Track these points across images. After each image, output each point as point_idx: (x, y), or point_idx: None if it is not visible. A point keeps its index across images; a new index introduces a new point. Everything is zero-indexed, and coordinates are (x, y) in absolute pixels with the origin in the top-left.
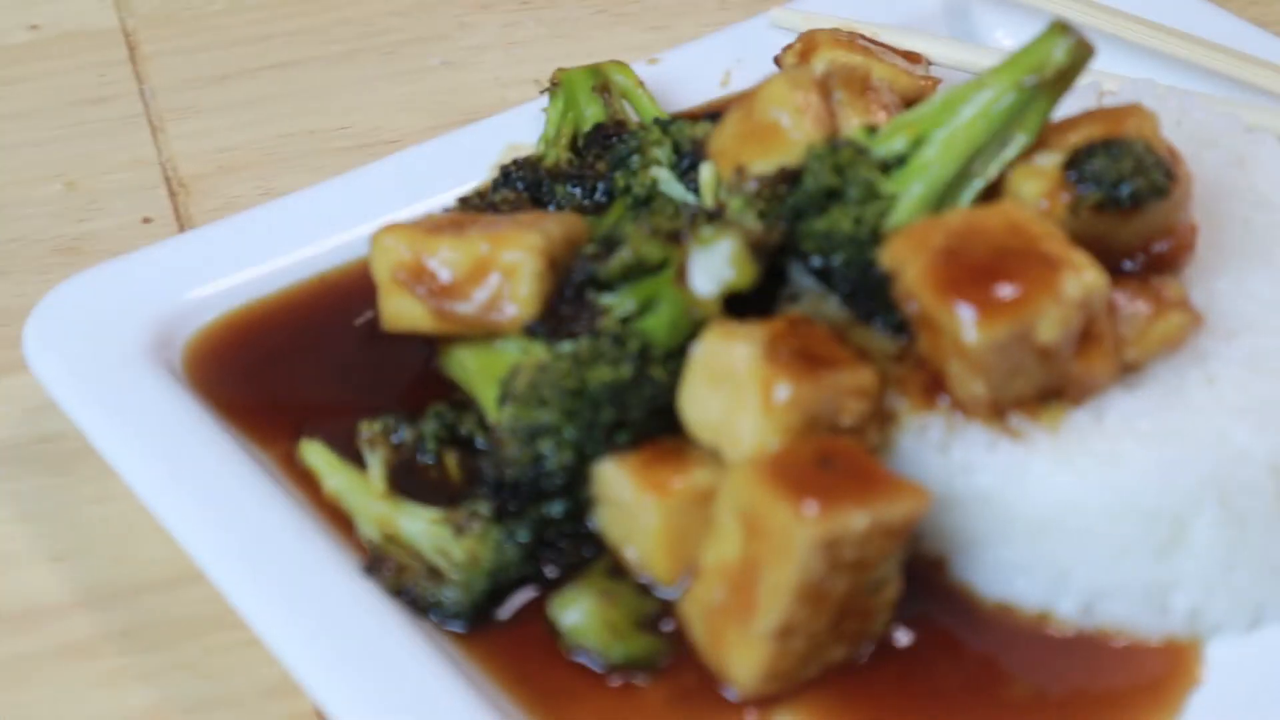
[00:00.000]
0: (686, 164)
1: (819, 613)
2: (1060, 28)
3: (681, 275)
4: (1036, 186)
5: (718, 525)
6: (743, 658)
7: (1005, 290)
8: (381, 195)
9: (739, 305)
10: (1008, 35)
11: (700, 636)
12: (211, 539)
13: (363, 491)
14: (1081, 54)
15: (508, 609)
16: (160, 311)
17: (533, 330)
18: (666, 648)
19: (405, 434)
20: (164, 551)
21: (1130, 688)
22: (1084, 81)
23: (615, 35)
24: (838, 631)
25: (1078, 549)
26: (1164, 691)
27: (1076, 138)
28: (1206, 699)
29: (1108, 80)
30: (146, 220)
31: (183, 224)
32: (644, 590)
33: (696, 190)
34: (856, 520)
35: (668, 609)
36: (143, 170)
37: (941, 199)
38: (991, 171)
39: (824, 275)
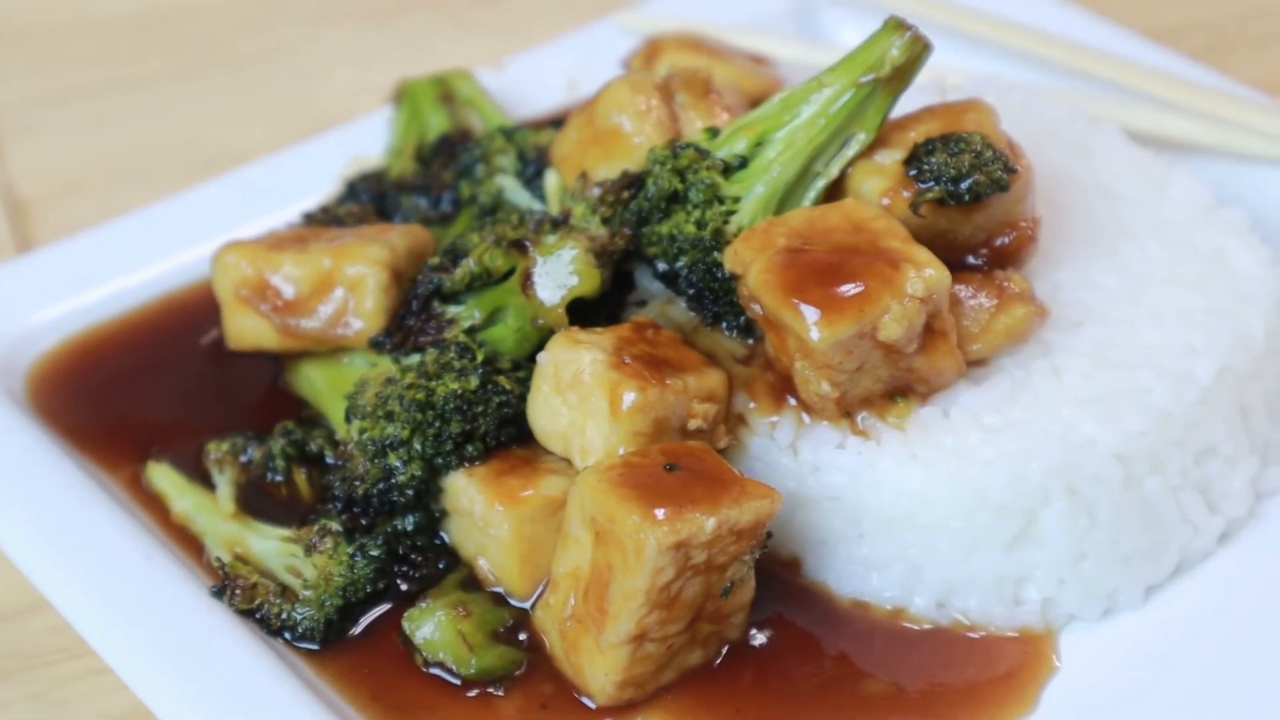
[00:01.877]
0: (531, 171)
1: (672, 617)
2: (896, 24)
3: (527, 284)
4: (878, 184)
5: (568, 534)
6: (598, 666)
7: (848, 289)
8: (225, 212)
9: (586, 312)
10: (856, 34)
11: (555, 646)
12: (57, 566)
13: (212, 512)
14: (918, 50)
15: (361, 625)
16: (1, 337)
17: (379, 343)
18: (522, 658)
19: (253, 453)
20: (8, 580)
21: (986, 679)
22: (928, 78)
23: (464, 44)
24: (692, 635)
25: (929, 544)
26: (1019, 682)
27: (916, 134)
28: (1061, 688)
29: (951, 76)
30: None
31: (23, 246)
32: (498, 601)
33: (542, 197)
34: (705, 523)
35: (522, 619)
36: None
37: (783, 199)
38: (833, 170)
39: (669, 279)
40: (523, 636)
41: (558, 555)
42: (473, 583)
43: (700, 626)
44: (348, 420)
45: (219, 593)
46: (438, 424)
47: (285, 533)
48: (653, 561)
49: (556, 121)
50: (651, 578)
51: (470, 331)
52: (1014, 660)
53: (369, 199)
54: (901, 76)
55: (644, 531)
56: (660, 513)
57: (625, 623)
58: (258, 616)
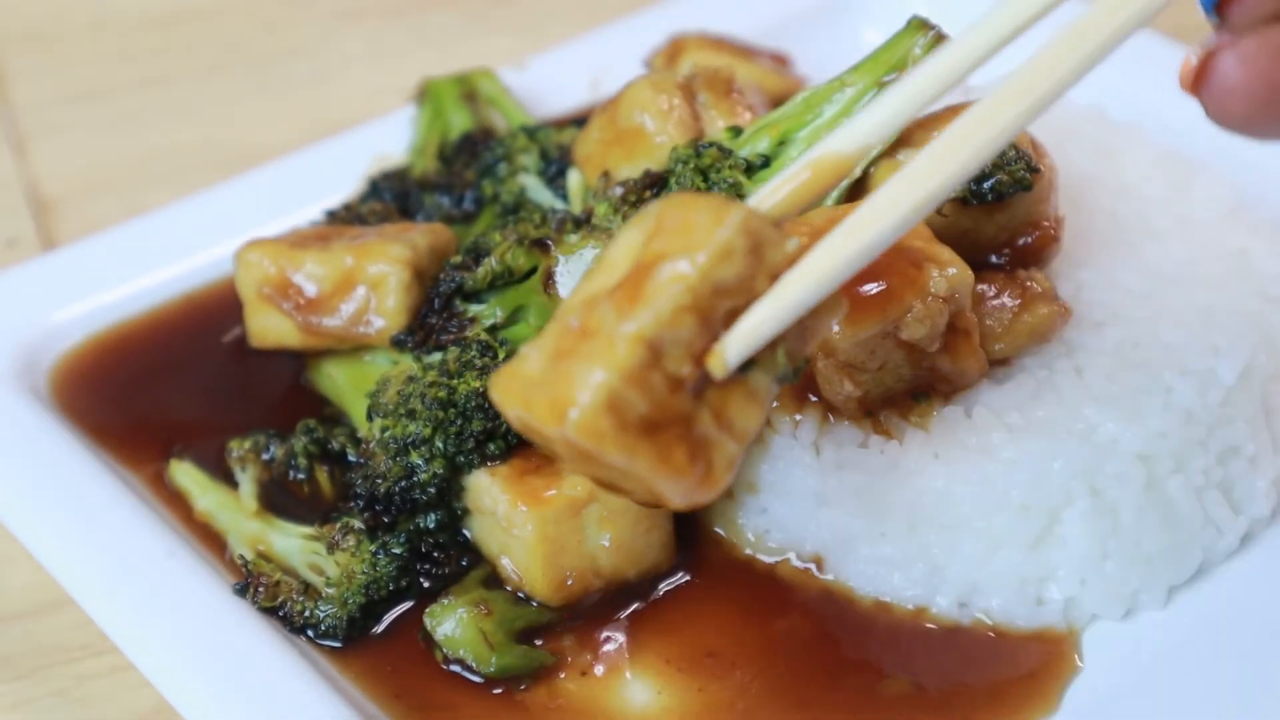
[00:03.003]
0: (554, 170)
1: (689, 354)
2: (919, 24)
3: (549, 283)
4: None
5: (602, 260)
6: (593, 366)
7: (870, 288)
8: (248, 210)
9: None
10: (879, 33)
11: (530, 373)
12: (81, 564)
13: (234, 510)
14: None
15: (384, 623)
16: (25, 335)
17: (401, 342)
18: (543, 657)
19: (276, 451)
20: (33, 578)
21: (1008, 679)
22: None
23: (485, 42)
24: (690, 415)
25: (951, 544)
26: (1042, 682)
27: (939, 134)
28: (1084, 688)
29: (973, 75)
30: (10, 241)
31: (47, 245)
32: (520, 600)
33: (564, 196)
34: (788, 242)
35: (544, 618)
36: (5, 191)
37: None
38: (855, 170)
39: None
40: (541, 640)
41: (579, 284)
42: (495, 580)
43: (701, 415)
44: (370, 418)
45: (242, 590)
46: (459, 422)
47: (308, 530)
48: (726, 235)
49: (579, 120)
50: (714, 259)
51: (492, 330)
52: (1036, 660)
53: (391, 197)
54: None
55: (729, 206)
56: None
57: (658, 309)
58: (280, 614)
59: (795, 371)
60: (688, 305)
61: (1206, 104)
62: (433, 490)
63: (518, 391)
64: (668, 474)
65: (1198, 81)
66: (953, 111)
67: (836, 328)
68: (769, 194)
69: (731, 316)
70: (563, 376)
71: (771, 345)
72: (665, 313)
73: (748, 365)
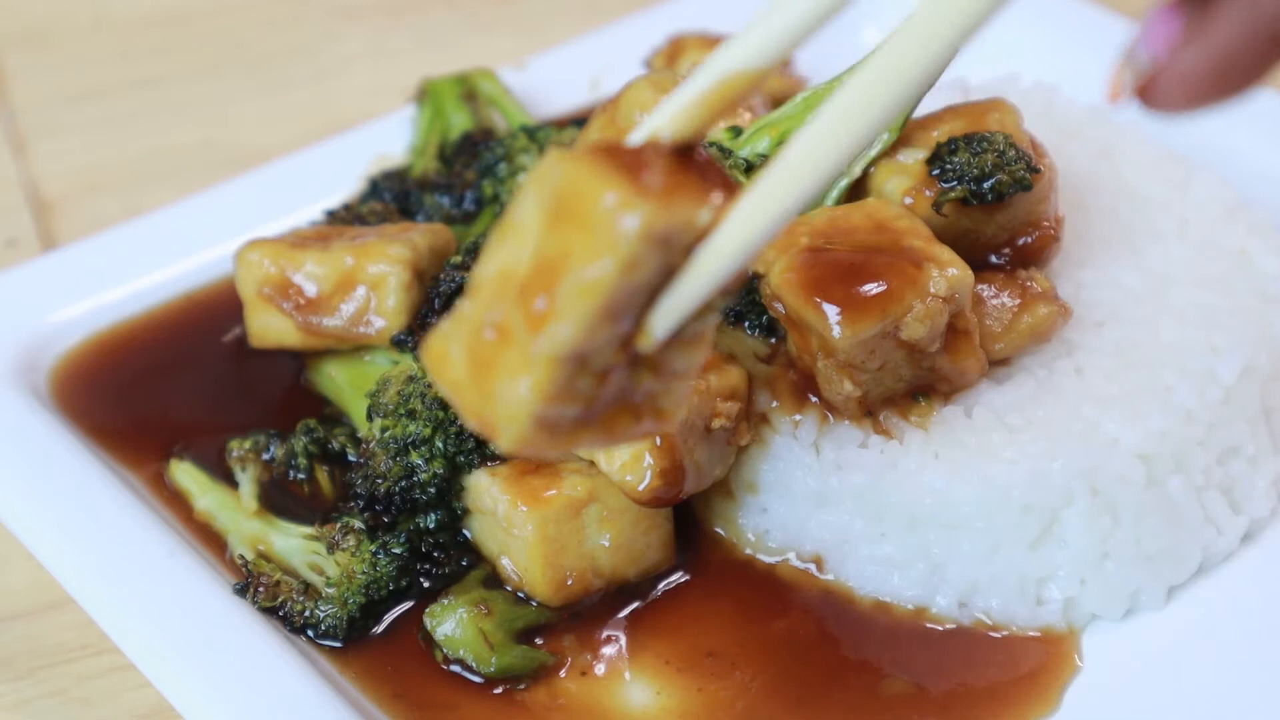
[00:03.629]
0: None
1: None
2: None
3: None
4: (900, 183)
5: (508, 224)
6: (517, 385)
7: (870, 288)
8: (248, 210)
9: None
10: (878, 32)
11: (456, 371)
12: (81, 564)
13: (234, 510)
14: None
15: (384, 623)
16: (25, 335)
17: (401, 342)
18: (543, 656)
19: (275, 451)
20: (31, 577)
21: (1009, 679)
22: (951, 77)
23: (485, 42)
24: (631, 380)
25: (951, 544)
26: (1042, 682)
27: (939, 134)
28: (1084, 688)
29: (974, 75)
30: (10, 241)
31: (47, 245)
32: (520, 600)
33: None
34: (698, 215)
35: (544, 621)
36: (5, 191)
37: None
38: (855, 169)
39: None
40: (541, 640)
41: (484, 256)
42: (495, 580)
43: (641, 375)
44: (370, 418)
45: (242, 590)
46: (460, 422)
47: (308, 530)
48: (632, 251)
49: (579, 120)
50: (624, 274)
51: None
52: (1036, 660)
53: (391, 197)
54: None
55: (628, 205)
56: (649, 191)
57: (570, 325)
58: (280, 614)
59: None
60: (601, 315)
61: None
62: (433, 490)
63: (448, 378)
64: (616, 441)
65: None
66: (952, 112)
67: (838, 330)
68: (678, 114)
69: (653, 295)
70: (485, 390)
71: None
72: (579, 329)
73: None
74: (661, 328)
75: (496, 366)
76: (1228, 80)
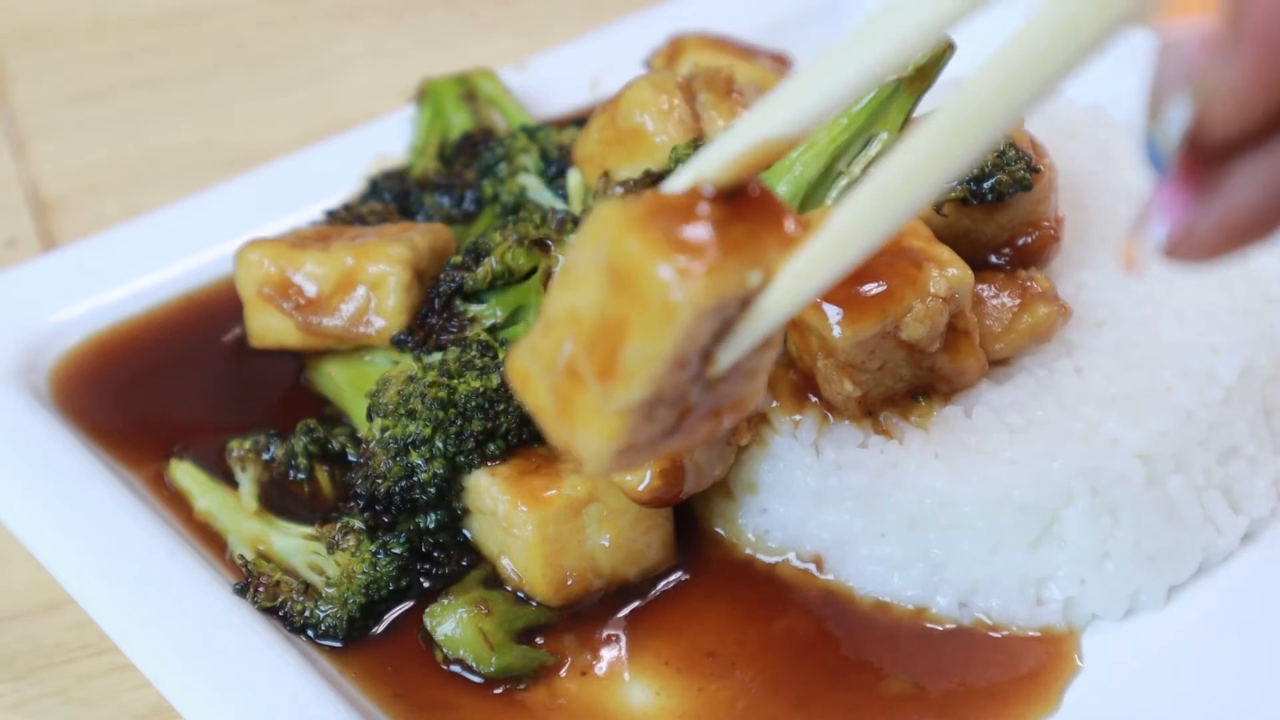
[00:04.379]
0: (554, 170)
1: (690, 376)
2: None
3: (549, 282)
4: None
5: (572, 267)
6: (595, 430)
7: (870, 287)
8: (248, 210)
9: None
10: None
11: (541, 398)
12: (81, 564)
13: (234, 510)
14: (941, 50)
15: (384, 623)
16: (24, 335)
17: (401, 342)
18: (543, 656)
19: (275, 451)
20: (31, 577)
21: (1009, 679)
22: (951, 77)
23: (485, 42)
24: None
25: (952, 544)
26: (1042, 682)
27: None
28: (1084, 688)
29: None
30: (10, 241)
31: (47, 245)
32: (520, 600)
33: (564, 196)
34: (749, 277)
35: (544, 621)
36: (5, 191)
37: (806, 198)
38: (856, 170)
39: None
40: (541, 640)
41: (555, 290)
42: (495, 580)
43: (716, 386)
44: (370, 418)
45: (242, 590)
46: (459, 422)
47: (308, 530)
48: (686, 325)
49: (579, 120)
50: (681, 342)
51: (492, 330)
52: (1036, 660)
53: (391, 197)
54: (925, 76)
55: (679, 284)
56: (697, 266)
57: (639, 389)
58: (280, 614)
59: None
60: (665, 371)
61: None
62: (433, 490)
63: (532, 401)
64: (702, 442)
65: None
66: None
67: (838, 330)
68: (716, 164)
69: (716, 342)
70: (567, 426)
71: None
72: (644, 389)
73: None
74: (727, 360)
75: (574, 405)
76: (1251, 233)
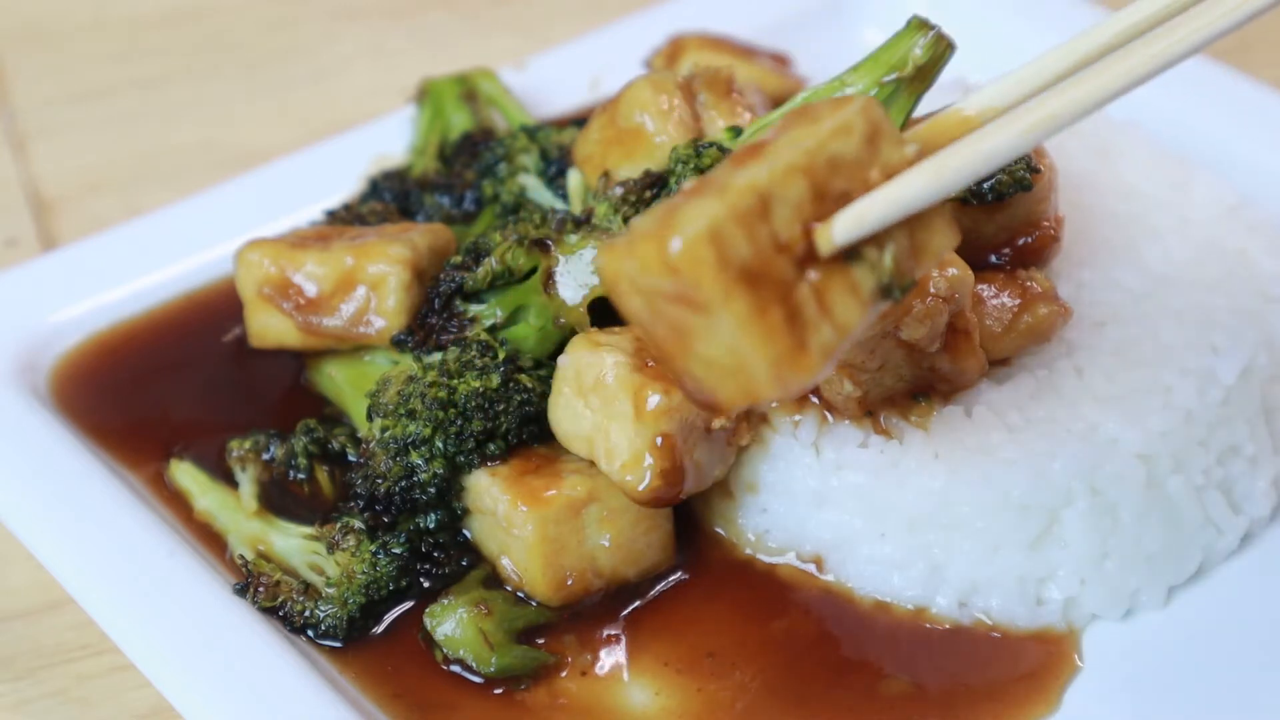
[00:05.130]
0: (554, 170)
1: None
2: (919, 24)
3: (549, 283)
4: None
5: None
6: (700, 206)
7: None
8: (248, 210)
9: (607, 311)
10: (879, 33)
11: (636, 241)
12: (80, 563)
13: (234, 510)
14: (941, 50)
15: (384, 623)
16: (24, 335)
17: (401, 342)
18: (543, 656)
19: (275, 451)
20: (31, 577)
21: (1009, 679)
22: (950, 77)
23: (485, 42)
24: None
25: (951, 544)
26: (1042, 682)
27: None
28: (1084, 688)
29: (974, 75)
30: (10, 241)
31: (47, 245)
32: (520, 600)
33: (564, 196)
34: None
35: (544, 618)
36: (5, 191)
37: None
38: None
39: None
40: (541, 640)
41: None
42: (495, 580)
43: (801, 289)
44: (370, 418)
45: (242, 590)
46: (459, 422)
47: (308, 530)
48: (847, 114)
49: (579, 120)
50: (833, 132)
51: (492, 330)
52: (1036, 660)
53: (391, 197)
54: (925, 76)
55: (853, 97)
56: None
57: (772, 163)
58: (280, 614)
59: (902, 289)
60: (802, 167)
61: None
62: (433, 490)
63: (623, 247)
64: (761, 332)
65: None
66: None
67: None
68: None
69: (843, 200)
70: (670, 216)
71: (879, 242)
72: (779, 168)
73: (853, 256)
74: (842, 230)
75: (688, 202)
76: None
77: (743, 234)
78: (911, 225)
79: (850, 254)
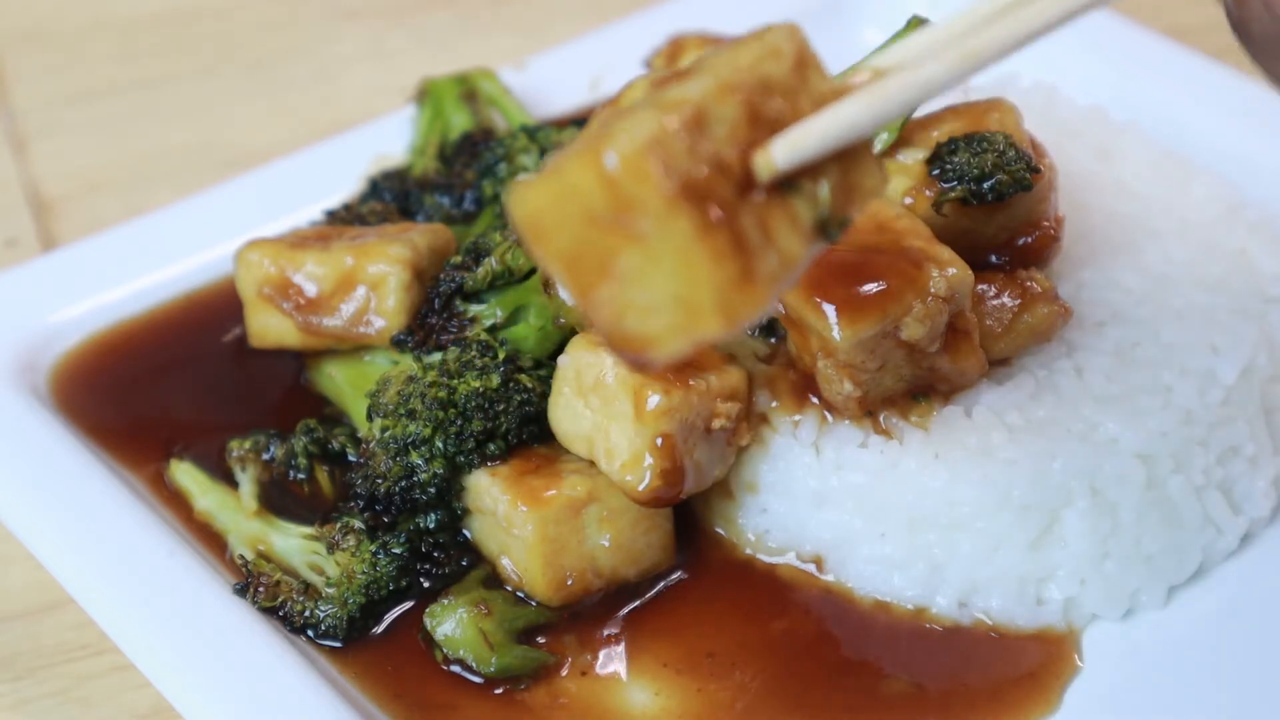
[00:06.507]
0: None
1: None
2: (918, 24)
3: (549, 283)
4: (900, 183)
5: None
6: (634, 117)
7: (870, 288)
8: (248, 210)
9: None
10: (879, 33)
11: (560, 163)
12: (80, 563)
13: (234, 510)
14: None
15: (384, 623)
16: (24, 335)
17: (401, 342)
18: (543, 656)
19: (275, 451)
20: (31, 577)
21: (1009, 679)
22: None
23: (485, 42)
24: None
25: (951, 544)
26: (1042, 682)
27: (939, 134)
28: (1084, 688)
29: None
30: (10, 241)
31: (47, 245)
32: (520, 600)
33: None
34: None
35: (544, 618)
36: (5, 191)
37: None
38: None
39: None
40: (541, 640)
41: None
42: (495, 580)
43: (744, 214)
44: (370, 418)
45: (242, 590)
46: (459, 422)
47: (308, 530)
48: (775, 36)
49: (579, 120)
50: (762, 55)
51: (492, 330)
52: (1036, 660)
53: (391, 197)
54: None
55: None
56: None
57: (704, 81)
58: (280, 614)
59: (839, 226)
60: (734, 84)
61: None
62: (433, 490)
63: (546, 177)
64: (707, 255)
65: None
66: (952, 112)
67: (838, 330)
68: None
69: (776, 127)
70: (601, 133)
71: (815, 174)
72: (711, 86)
73: (790, 189)
74: (780, 154)
75: (615, 120)
76: None
77: (682, 147)
78: (844, 164)
79: (787, 186)
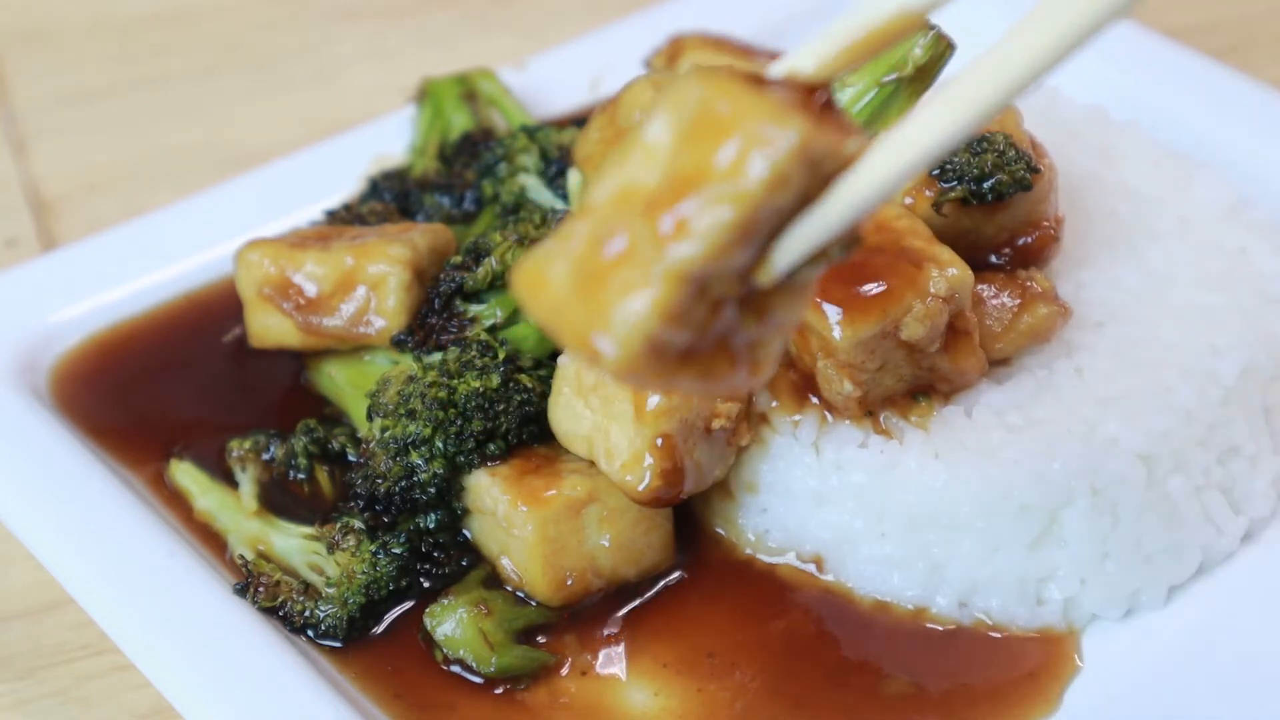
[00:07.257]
0: (554, 170)
1: (731, 276)
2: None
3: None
4: None
5: (632, 141)
6: (633, 300)
7: (870, 288)
8: (248, 210)
9: None
10: None
11: (557, 292)
12: (81, 564)
13: (234, 510)
14: (941, 49)
15: (384, 623)
16: (24, 334)
17: (401, 342)
18: (543, 656)
19: (275, 451)
20: (31, 577)
21: (1009, 680)
22: (948, 77)
23: (485, 42)
24: (737, 322)
25: (951, 544)
26: (1042, 682)
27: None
28: (1084, 688)
29: None
30: (10, 241)
31: (47, 245)
32: (520, 600)
33: (565, 196)
34: (846, 145)
35: (544, 618)
36: (5, 191)
37: None
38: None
39: None
40: (541, 640)
41: (602, 175)
42: (495, 580)
43: (747, 319)
44: (370, 418)
45: (242, 590)
46: (459, 422)
47: (308, 530)
48: (781, 164)
49: (579, 120)
50: (772, 186)
51: (492, 330)
52: (1036, 660)
53: (391, 197)
54: (924, 76)
55: (786, 119)
56: (796, 117)
57: (703, 241)
58: (280, 614)
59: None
60: (736, 238)
61: None
62: (433, 490)
63: (544, 301)
64: (711, 386)
65: None
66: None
67: (838, 330)
68: (821, 53)
69: (781, 225)
70: (595, 307)
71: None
72: (711, 249)
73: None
74: (784, 263)
75: (610, 284)
76: None
77: (678, 329)
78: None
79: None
